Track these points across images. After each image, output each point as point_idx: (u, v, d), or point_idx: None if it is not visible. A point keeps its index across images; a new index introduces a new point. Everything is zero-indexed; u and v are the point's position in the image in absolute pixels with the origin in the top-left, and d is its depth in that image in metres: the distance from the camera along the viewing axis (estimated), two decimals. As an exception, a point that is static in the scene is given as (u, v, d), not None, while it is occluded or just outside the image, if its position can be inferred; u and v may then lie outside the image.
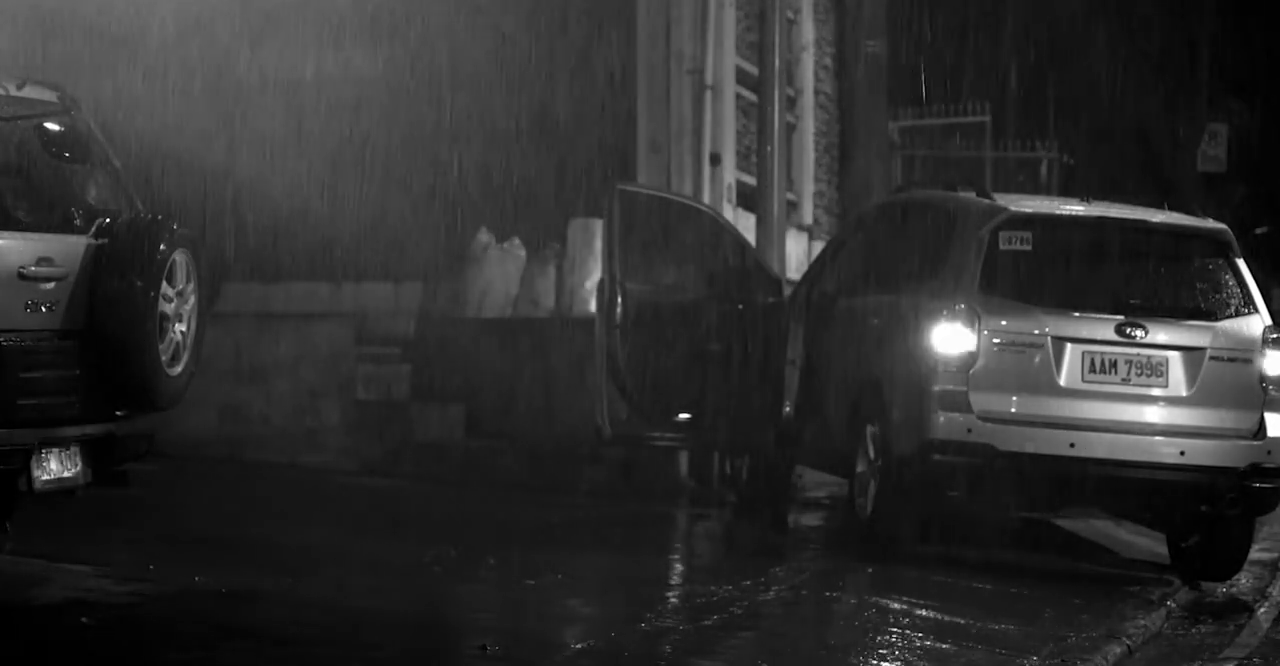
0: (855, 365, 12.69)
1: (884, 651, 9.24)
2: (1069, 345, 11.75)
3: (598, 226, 14.44)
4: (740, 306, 13.99)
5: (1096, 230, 12.22)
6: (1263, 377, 11.93)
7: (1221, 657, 10.31)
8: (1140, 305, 11.97)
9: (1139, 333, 11.80)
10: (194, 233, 9.22)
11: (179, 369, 9.15)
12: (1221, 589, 12.47)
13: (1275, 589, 12.60)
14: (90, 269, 8.82)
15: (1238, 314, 12.08)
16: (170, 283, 9.01)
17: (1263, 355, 11.95)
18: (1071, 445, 11.63)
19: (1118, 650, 9.84)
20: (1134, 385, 11.78)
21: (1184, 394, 11.84)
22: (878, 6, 22.74)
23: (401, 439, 15.59)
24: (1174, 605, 11.54)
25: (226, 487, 14.07)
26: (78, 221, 9.02)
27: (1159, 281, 12.29)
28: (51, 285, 8.71)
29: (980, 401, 11.63)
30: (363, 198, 15.73)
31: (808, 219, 20.44)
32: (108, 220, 8.97)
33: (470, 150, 15.92)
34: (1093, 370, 11.76)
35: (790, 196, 18.60)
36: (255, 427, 15.79)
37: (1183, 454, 11.75)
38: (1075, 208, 12.49)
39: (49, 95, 9.25)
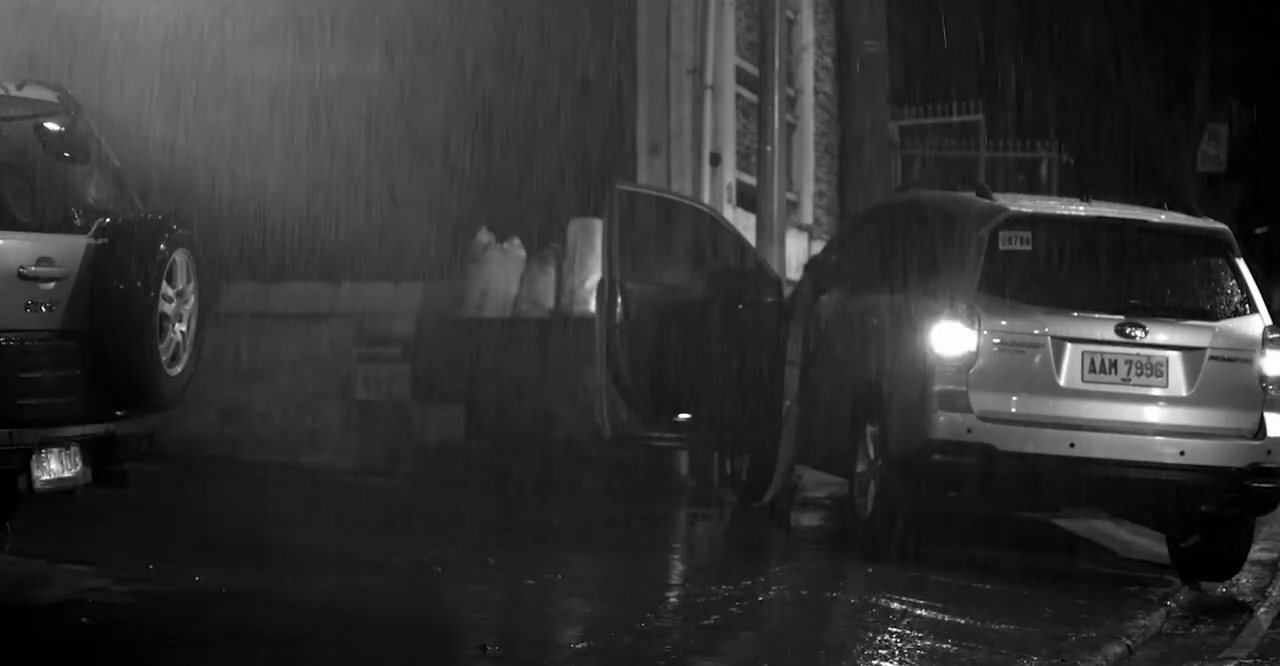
0: (855, 365, 12.69)
1: (884, 651, 9.24)
2: (1069, 345, 11.75)
3: (598, 226, 14.43)
4: (740, 306, 13.99)
5: (1096, 230, 12.23)
6: (1263, 377, 11.93)
7: (1221, 657, 10.31)
8: (1140, 305, 11.98)
9: (1139, 333, 11.80)
10: (194, 232, 9.22)
11: (179, 369, 9.15)
12: (1221, 589, 12.47)
13: (1275, 589, 12.60)
14: (90, 269, 8.81)
15: (1238, 314, 12.09)
16: (170, 283, 9.00)
17: (1263, 355, 11.95)
18: (1071, 445, 11.63)
19: (1118, 650, 9.84)
20: (1134, 385, 11.79)
21: (1184, 394, 11.84)
22: (878, 6, 22.74)
23: (401, 439, 15.58)
24: (1174, 605, 11.54)
25: (226, 487, 14.07)
26: (78, 221, 9.01)
27: (1159, 281, 12.28)
28: (51, 285, 8.71)
29: (980, 401, 11.63)
30: (363, 198, 15.72)
31: (808, 219, 20.44)
32: (108, 220, 8.97)
33: (470, 150, 15.91)
34: (1093, 370, 11.76)
35: (790, 196, 18.60)
36: (255, 427, 15.78)
37: (1183, 454, 11.75)
38: (1075, 208, 12.49)
39: (49, 95, 9.25)
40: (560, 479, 14.71)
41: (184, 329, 9.16)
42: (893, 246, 13.11)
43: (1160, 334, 11.85)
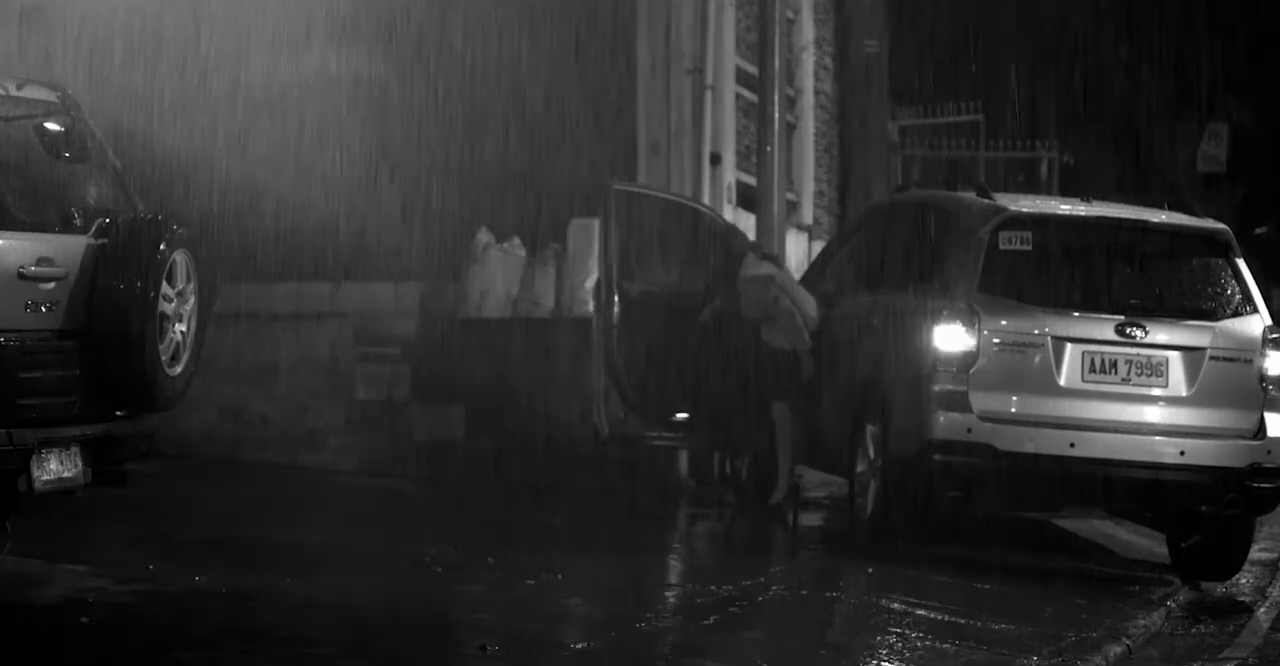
0: (855, 365, 12.69)
1: (884, 651, 9.23)
2: (1069, 345, 11.75)
3: (597, 226, 14.44)
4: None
5: (1096, 230, 12.23)
6: (1263, 377, 11.93)
7: (1221, 657, 10.31)
8: (1140, 305, 11.98)
9: (1139, 332, 11.80)
10: (194, 232, 9.22)
11: (179, 369, 9.15)
12: (1221, 589, 12.47)
13: (1275, 589, 12.60)
14: (90, 269, 8.82)
15: (1238, 314, 12.09)
16: (170, 283, 9.01)
17: (1263, 355, 11.95)
18: (1071, 445, 11.63)
19: (1118, 650, 9.84)
20: (1134, 385, 11.79)
21: (1184, 394, 11.84)
22: (878, 6, 22.75)
23: (401, 439, 15.58)
24: (1174, 605, 11.54)
25: (226, 487, 14.07)
26: (78, 221, 9.01)
27: (1159, 281, 12.28)
28: (51, 285, 8.71)
29: (980, 401, 11.63)
30: (363, 198, 15.72)
31: (808, 219, 20.44)
32: (108, 220, 8.97)
33: (470, 150, 15.91)
34: (1093, 370, 11.76)
35: (790, 196, 18.60)
36: (255, 428, 15.78)
37: (1183, 454, 11.75)
38: (1075, 208, 12.49)
39: (49, 95, 9.25)
40: (560, 479, 14.70)
41: (184, 329, 9.16)
42: (892, 246, 13.12)
43: (1160, 334, 11.85)
